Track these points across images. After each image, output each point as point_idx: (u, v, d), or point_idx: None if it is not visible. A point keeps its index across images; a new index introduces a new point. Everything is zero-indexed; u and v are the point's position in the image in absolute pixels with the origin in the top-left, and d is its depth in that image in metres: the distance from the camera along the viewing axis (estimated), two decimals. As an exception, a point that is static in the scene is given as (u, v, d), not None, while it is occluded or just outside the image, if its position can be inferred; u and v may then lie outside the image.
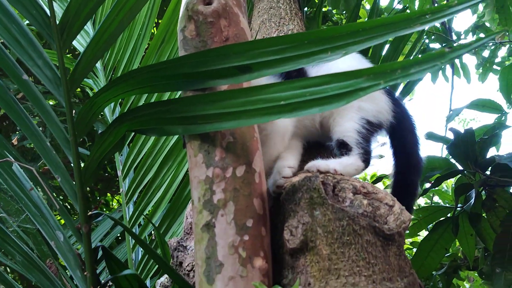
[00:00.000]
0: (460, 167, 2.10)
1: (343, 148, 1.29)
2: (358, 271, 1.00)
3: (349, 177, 1.18)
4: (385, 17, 0.95)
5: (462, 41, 4.23)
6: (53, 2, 1.14)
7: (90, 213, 1.15)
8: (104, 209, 4.23)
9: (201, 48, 1.12)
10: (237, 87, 1.11)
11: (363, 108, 1.29)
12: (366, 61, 1.44)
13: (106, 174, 4.06)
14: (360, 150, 1.28)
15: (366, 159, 1.30)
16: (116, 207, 4.30)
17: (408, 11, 4.42)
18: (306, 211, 1.06)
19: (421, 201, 4.16)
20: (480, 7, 4.55)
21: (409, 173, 1.40)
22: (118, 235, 2.51)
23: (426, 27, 0.93)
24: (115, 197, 4.31)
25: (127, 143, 2.14)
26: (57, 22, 1.11)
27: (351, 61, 1.35)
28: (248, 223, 1.02)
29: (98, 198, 4.08)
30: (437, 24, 4.18)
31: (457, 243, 2.83)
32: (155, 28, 3.34)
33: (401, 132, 1.39)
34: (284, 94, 0.96)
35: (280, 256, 1.09)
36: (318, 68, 1.33)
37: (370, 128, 1.29)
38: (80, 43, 2.23)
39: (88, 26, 2.32)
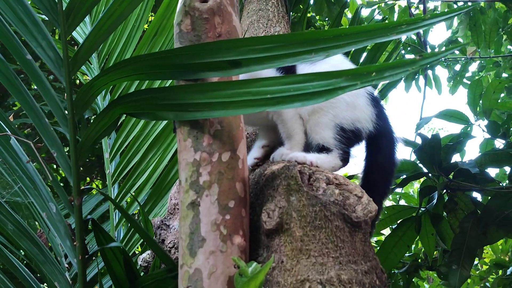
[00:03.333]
0: (426, 170, 2.24)
1: (324, 149, 1.38)
2: (326, 252, 1.11)
3: (323, 170, 1.29)
4: (365, 25, 1.06)
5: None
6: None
7: (83, 187, 1.24)
8: (86, 195, 4.28)
9: (195, 42, 1.21)
10: (227, 80, 1.21)
11: (337, 116, 1.36)
12: (351, 64, 1.53)
13: (87, 160, 4.10)
14: (339, 150, 1.37)
15: (345, 158, 1.38)
16: (94, 192, 4.35)
17: (386, 21, 4.59)
18: (283, 196, 1.17)
19: (388, 203, 4.33)
20: (455, 23, 4.75)
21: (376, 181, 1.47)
22: (99, 216, 2.58)
23: (402, 36, 1.04)
24: (95, 182, 4.36)
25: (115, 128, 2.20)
26: (63, 7, 1.19)
27: (337, 61, 1.45)
28: (230, 204, 1.12)
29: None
30: (413, 36, 4.35)
31: (419, 244, 2.98)
32: (151, 17, 3.40)
33: (378, 143, 1.45)
34: (270, 89, 1.06)
35: (257, 236, 1.20)
36: (313, 66, 1.41)
37: (345, 134, 1.37)
38: (77, 32, 2.29)
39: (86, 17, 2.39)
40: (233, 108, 1.11)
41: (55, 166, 4.11)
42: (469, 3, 4.43)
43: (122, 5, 1.21)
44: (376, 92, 1.50)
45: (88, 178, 4.28)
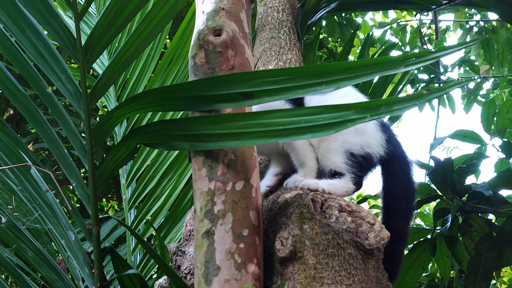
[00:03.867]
0: (439, 193, 2.24)
1: (336, 174, 1.40)
2: (340, 280, 1.12)
3: (335, 196, 1.31)
4: (374, 58, 1.09)
5: (448, 74, 4.41)
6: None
7: (101, 216, 1.27)
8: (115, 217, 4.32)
9: (209, 74, 1.25)
10: (240, 111, 1.24)
11: (346, 142, 1.39)
12: (360, 94, 1.54)
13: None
14: (351, 174, 1.39)
15: (357, 182, 1.40)
16: (110, 212, 4.40)
17: (399, 42, 4.63)
18: (296, 225, 1.19)
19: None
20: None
21: (395, 214, 1.45)
22: (116, 238, 2.62)
23: (410, 69, 1.07)
24: (111, 202, 4.42)
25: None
26: (82, 43, 1.24)
27: (345, 92, 1.47)
28: (244, 233, 1.15)
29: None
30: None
31: (435, 264, 2.96)
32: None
33: (392, 168, 1.46)
34: (282, 120, 1.09)
35: (271, 264, 1.22)
36: (322, 97, 1.44)
37: (356, 159, 1.39)
38: (97, 64, 2.36)
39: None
40: (246, 139, 1.14)
41: (71, 187, 4.17)
42: (481, 23, 4.44)
43: (138, 40, 1.26)
44: (386, 119, 1.52)
45: (104, 199, 4.34)
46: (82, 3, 1.27)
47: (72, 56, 1.25)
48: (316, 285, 1.11)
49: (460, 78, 4.70)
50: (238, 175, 1.20)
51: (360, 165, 1.41)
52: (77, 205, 3.71)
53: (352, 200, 1.54)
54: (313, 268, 1.13)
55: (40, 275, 1.48)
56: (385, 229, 1.23)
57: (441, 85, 4.36)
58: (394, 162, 1.46)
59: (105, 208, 4.68)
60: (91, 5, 2.43)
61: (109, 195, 4.39)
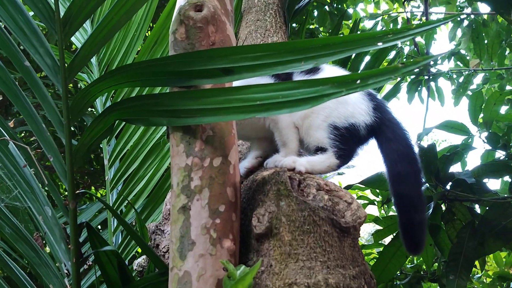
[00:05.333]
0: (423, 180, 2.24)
1: (319, 150, 1.38)
2: (315, 256, 1.12)
3: (314, 176, 1.31)
4: (352, 34, 1.09)
5: (438, 66, 4.43)
6: (58, -2, 1.25)
7: (77, 191, 1.26)
8: (88, 202, 4.31)
9: (189, 50, 1.24)
10: (220, 87, 1.23)
11: (329, 115, 1.36)
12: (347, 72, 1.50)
13: (92, 169, 4.15)
14: (334, 148, 1.36)
15: (342, 155, 1.36)
16: (95, 200, 4.39)
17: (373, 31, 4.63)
18: (273, 201, 1.19)
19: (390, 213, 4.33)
20: (458, 35, 4.76)
21: (403, 184, 1.36)
22: (99, 224, 2.61)
23: (387, 45, 1.06)
24: (99, 191, 4.40)
25: (115, 136, 2.25)
26: (61, 16, 1.23)
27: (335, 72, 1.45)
28: (220, 208, 1.15)
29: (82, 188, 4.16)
30: (400, 44, 4.37)
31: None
32: (149, 31, 3.47)
33: (385, 134, 1.40)
34: (260, 95, 1.08)
35: (248, 240, 1.21)
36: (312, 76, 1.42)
37: (339, 132, 1.36)
38: (77, 38, 2.34)
39: (86, 23, 2.44)
40: (224, 114, 1.14)
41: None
42: (472, 16, 4.45)
43: (119, 12, 1.25)
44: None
45: (93, 188, 4.33)
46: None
47: (50, 28, 1.23)
48: (291, 261, 1.11)
49: (450, 71, 4.72)
50: (216, 151, 1.19)
51: (344, 137, 1.37)
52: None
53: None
54: (288, 245, 1.13)
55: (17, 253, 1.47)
56: (362, 209, 1.23)
57: (431, 77, 4.38)
58: (384, 128, 1.40)
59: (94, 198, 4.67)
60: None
61: (98, 183, 4.38)
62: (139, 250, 1.96)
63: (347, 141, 1.38)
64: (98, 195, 4.56)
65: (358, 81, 0.98)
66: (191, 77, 1.18)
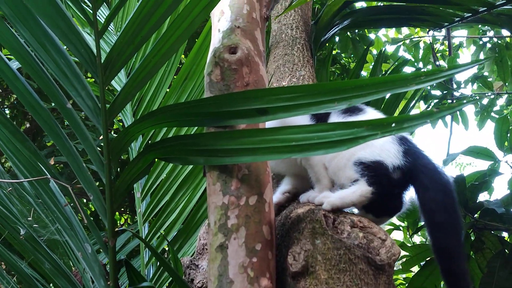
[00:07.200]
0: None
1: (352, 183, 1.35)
2: (351, 295, 1.14)
3: (347, 212, 1.32)
4: (385, 76, 1.11)
5: (462, 90, 4.41)
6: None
7: (117, 229, 1.30)
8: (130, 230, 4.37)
9: (224, 91, 1.28)
10: (255, 127, 1.27)
11: (354, 154, 1.35)
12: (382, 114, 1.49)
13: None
14: (365, 178, 1.32)
15: (374, 182, 1.31)
16: (124, 226, 4.44)
17: (412, 58, 4.65)
18: (308, 240, 1.21)
19: (417, 239, 4.30)
20: (481, 57, 4.76)
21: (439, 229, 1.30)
22: (129, 251, 2.65)
23: (420, 86, 1.09)
24: (123, 216, 4.46)
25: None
26: (102, 61, 1.28)
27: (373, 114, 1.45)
28: (257, 247, 1.17)
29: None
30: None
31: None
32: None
33: (420, 180, 1.33)
34: (296, 136, 1.11)
35: (283, 278, 1.23)
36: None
37: (365, 165, 1.33)
38: (115, 80, 2.41)
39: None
40: (260, 154, 1.16)
41: (84, 201, 4.22)
42: (495, 39, 4.45)
43: (154, 58, 1.29)
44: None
45: (117, 213, 4.39)
46: (102, 22, 1.31)
47: (92, 72, 1.28)
48: (328, 300, 1.13)
49: (473, 95, 4.70)
50: (251, 190, 1.22)
51: (372, 168, 1.34)
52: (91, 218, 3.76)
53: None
54: (325, 283, 1.14)
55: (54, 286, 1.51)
56: (396, 245, 1.24)
57: (454, 101, 4.37)
58: (421, 175, 1.33)
59: (118, 222, 4.73)
60: (111, 25, 2.50)
61: (122, 209, 4.44)
62: (172, 283, 1.98)
63: (376, 170, 1.34)
64: (122, 220, 4.61)
65: (393, 125, 1.00)
66: (226, 118, 1.22)
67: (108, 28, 2.37)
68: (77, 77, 1.30)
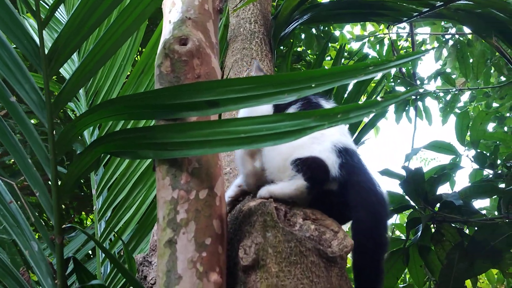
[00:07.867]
0: (412, 203, 2.26)
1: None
2: (302, 287, 1.12)
3: (283, 196, 1.29)
4: (334, 67, 1.10)
5: (425, 86, 4.48)
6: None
7: (64, 226, 1.26)
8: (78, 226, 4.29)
9: (175, 83, 1.25)
10: (206, 119, 1.24)
11: (291, 154, 1.32)
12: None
13: (82, 194, 4.13)
14: (301, 173, 1.29)
15: (310, 177, 1.28)
16: (90, 225, 4.36)
17: (376, 55, 4.70)
18: (259, 233, 1.19)
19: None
20: (444, 55, 4.84)
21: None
22: (89, 252, 2.59)
23: (369, 77, 1.08)
24: (90, 216, 4.38)
25: (103, 164, 2.25)
26: (46, 51, 1.24)
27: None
28: (206, 241, 1.14)
29: (72, 215, 4.15)
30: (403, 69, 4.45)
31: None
32: (138, 56, 3.49)
33: (350, 194, 1.28)
34: (245, 128, 1.09)
35: (235, 272, 1.21)
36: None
37: (301, 160, 1.31)
38: (65, 69, 2.35)
39: (74, 54, 2.45)
40: (210, 147, 1.14)
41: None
42: (457, 36, 4.53)
43: (103, 48, 1.26)
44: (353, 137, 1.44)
45: (83, 213, 4.30)
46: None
47: (35, 64, 1.24)
48: (278, 293, 1.11)
49: (437, 91, 4.77)
50: (202, 184, 1.20)
51: (309, 163, 1.30)
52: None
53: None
54: (275, 276, 1.13)
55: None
56: (348, 237, 1.24)
57: (418, 97, 4.43)
58: (351, 191, 1.28)
59: (85, 222, 4.64)
60: (62, 13, 2.43)
61: (88, 208, 4.35)
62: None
63: (312, 166, 1.30)
64: (89, 220, 4.53)
65: (340, 115, 0.99)
66: (177, 110, 1.19)
67: (59, 18, 2.32)
68: (20, 69, 1.25)
